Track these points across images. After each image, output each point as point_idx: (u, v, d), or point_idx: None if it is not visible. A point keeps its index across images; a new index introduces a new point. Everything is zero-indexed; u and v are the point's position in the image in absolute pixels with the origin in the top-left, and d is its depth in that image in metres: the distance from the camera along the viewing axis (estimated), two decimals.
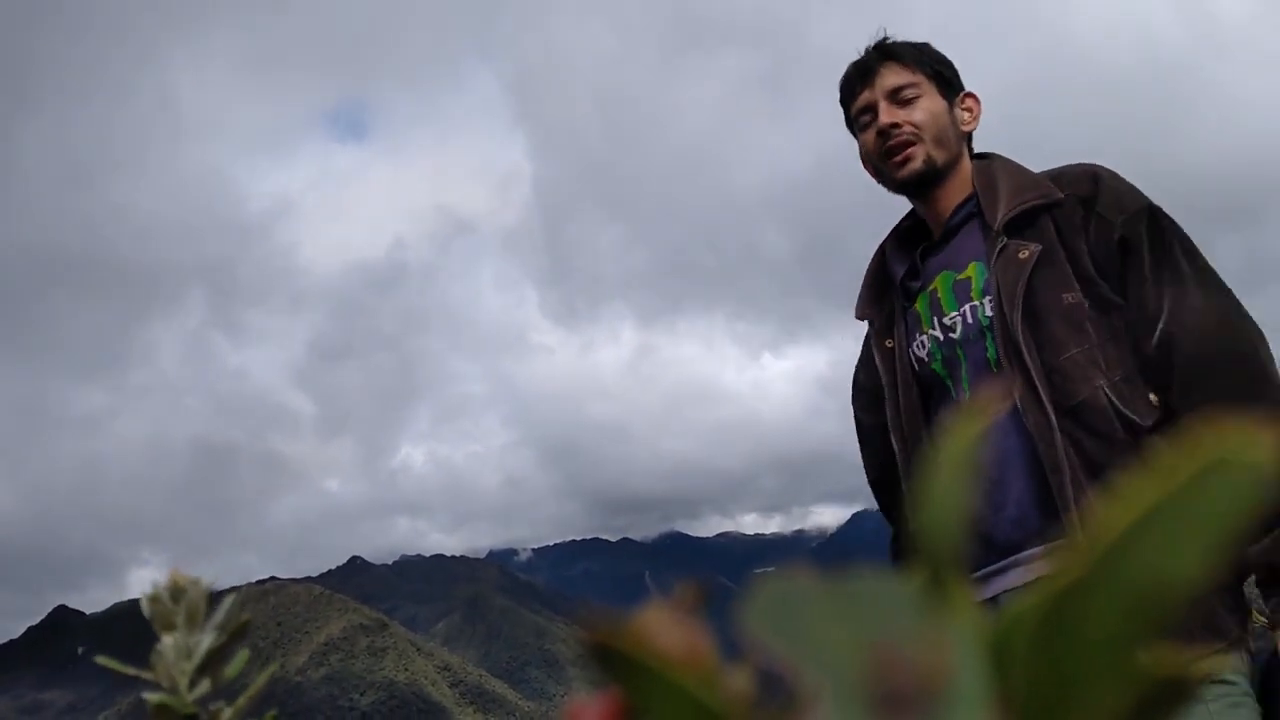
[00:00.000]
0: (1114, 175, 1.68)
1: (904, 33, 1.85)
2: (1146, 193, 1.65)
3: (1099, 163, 1.72)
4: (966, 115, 1.81)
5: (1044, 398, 1.57)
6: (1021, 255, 1.63)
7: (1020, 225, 1.66)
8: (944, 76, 1.80)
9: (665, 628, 0.31)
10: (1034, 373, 1.58)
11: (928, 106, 1.76)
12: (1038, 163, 1.76)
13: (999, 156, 1.79)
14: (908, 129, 1.75)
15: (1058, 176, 1.69)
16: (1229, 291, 1.61)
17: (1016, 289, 1.61)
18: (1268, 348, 1.58)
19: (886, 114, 1.76)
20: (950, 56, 1.82)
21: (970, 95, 1.82)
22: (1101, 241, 1.61)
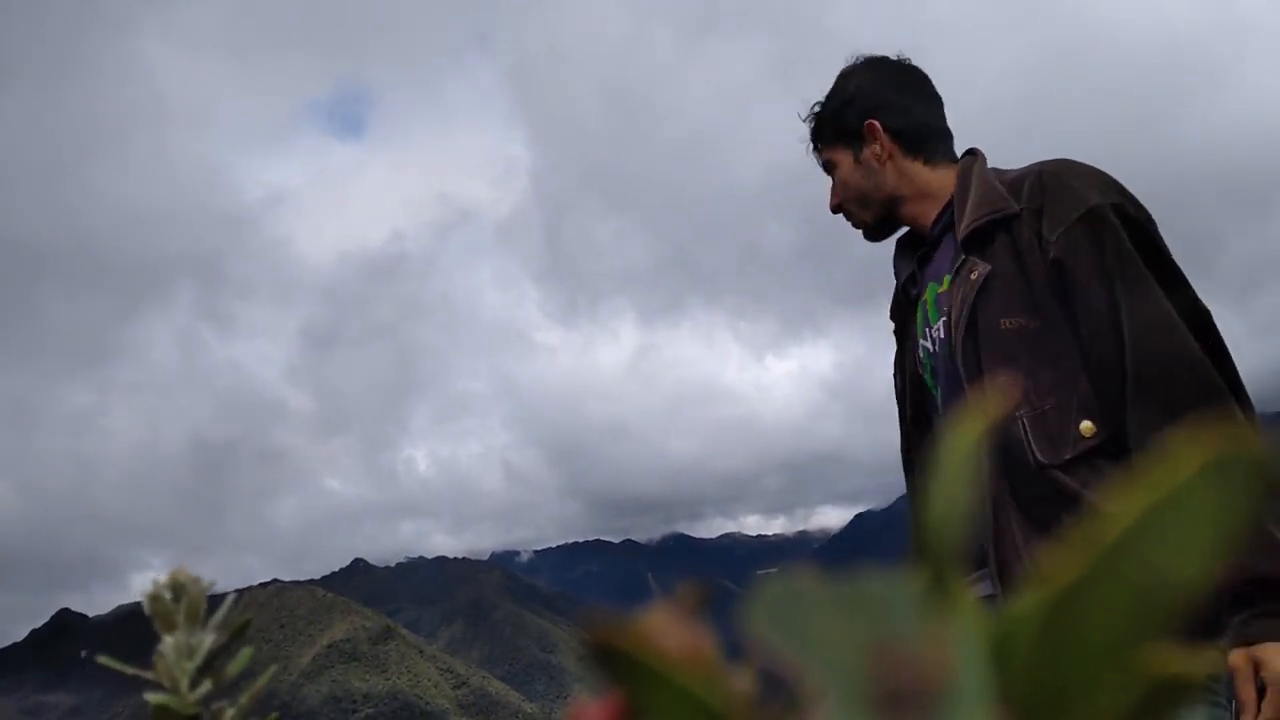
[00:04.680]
0: (1058, 177, 1.61)
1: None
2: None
3: (1064, 156, 1.68)
4: (872, 153, 1.79)
5: None
6: (972, 276, 1.62)
7: (980, 241, 1.64)
8: (844, 131, 1.81)
9: (668, 629, 0.31)
10: (970, 396, 1.59)
11: (843, 176, 1.83)
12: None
13: (978, 159, 1.76)
14: (843, 204, 1.86)
15: (1015, 185, 1.66)
16: (1173, 290, 1.52)
17: (962, 311, 1.62)
18: (1212, 344, 1.50)
19: (829, 195, 1.88)
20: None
21: (869, 126, 1.78)
22: (1046, 261, 1.58)
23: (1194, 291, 1.55)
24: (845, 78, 1.84)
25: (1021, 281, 1.59)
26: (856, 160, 1.81)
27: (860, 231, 1.87)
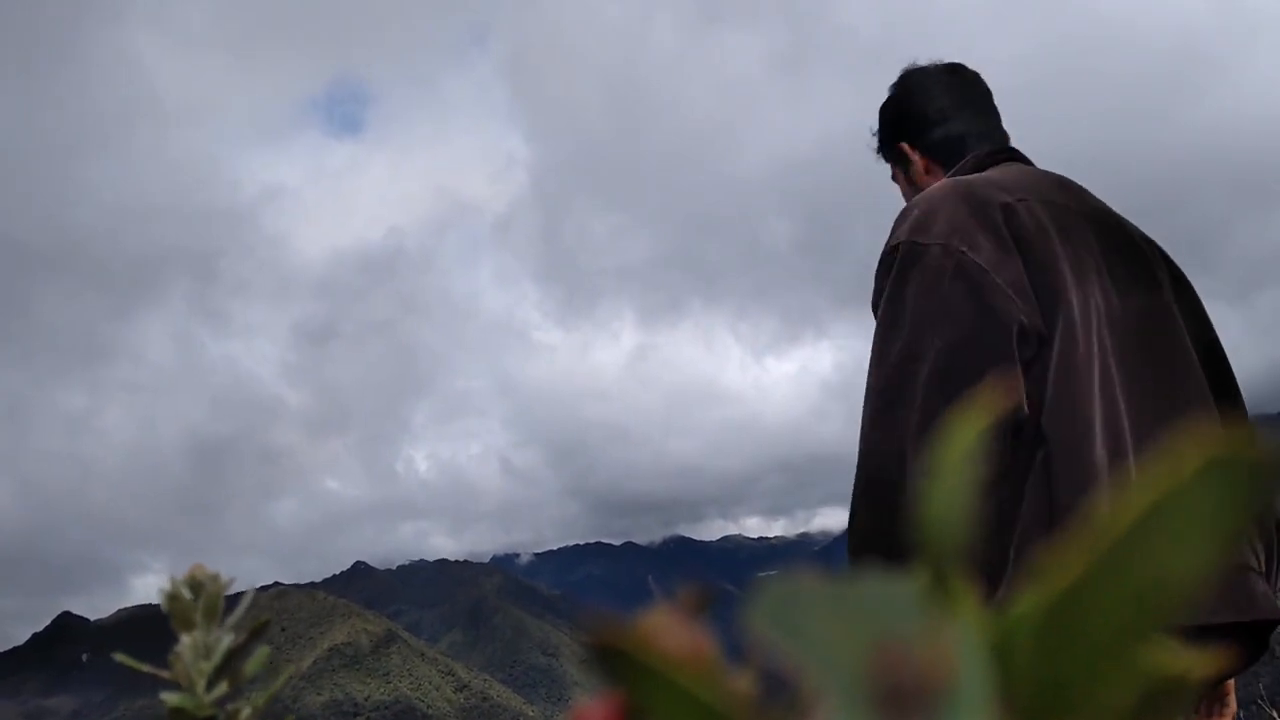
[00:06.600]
0: (904, 210, 1.57)
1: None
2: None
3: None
4: (915, 168, 1.82)
5: None
6: None
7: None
8: (893, 151, 1.85)
9: (669, 631, 0.31)
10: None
11: (901, 191, 1.86)
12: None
13: (955, 175, 1.73)
14: None
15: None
16: (888, 349, 1.47)
17: None
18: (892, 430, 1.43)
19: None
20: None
21: (900, 149, 1.83)
22: None
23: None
24: (885, 102, 1.88)
25: None
26: (906, 176, 1.85)
27: None
